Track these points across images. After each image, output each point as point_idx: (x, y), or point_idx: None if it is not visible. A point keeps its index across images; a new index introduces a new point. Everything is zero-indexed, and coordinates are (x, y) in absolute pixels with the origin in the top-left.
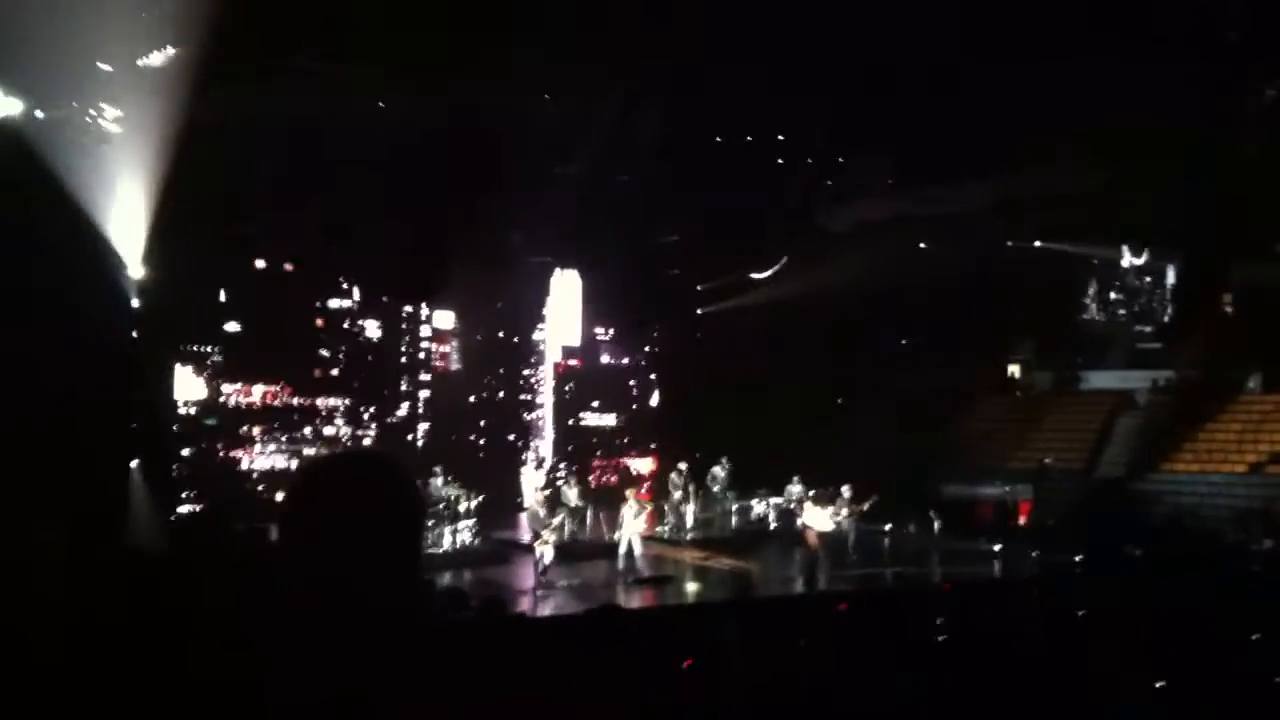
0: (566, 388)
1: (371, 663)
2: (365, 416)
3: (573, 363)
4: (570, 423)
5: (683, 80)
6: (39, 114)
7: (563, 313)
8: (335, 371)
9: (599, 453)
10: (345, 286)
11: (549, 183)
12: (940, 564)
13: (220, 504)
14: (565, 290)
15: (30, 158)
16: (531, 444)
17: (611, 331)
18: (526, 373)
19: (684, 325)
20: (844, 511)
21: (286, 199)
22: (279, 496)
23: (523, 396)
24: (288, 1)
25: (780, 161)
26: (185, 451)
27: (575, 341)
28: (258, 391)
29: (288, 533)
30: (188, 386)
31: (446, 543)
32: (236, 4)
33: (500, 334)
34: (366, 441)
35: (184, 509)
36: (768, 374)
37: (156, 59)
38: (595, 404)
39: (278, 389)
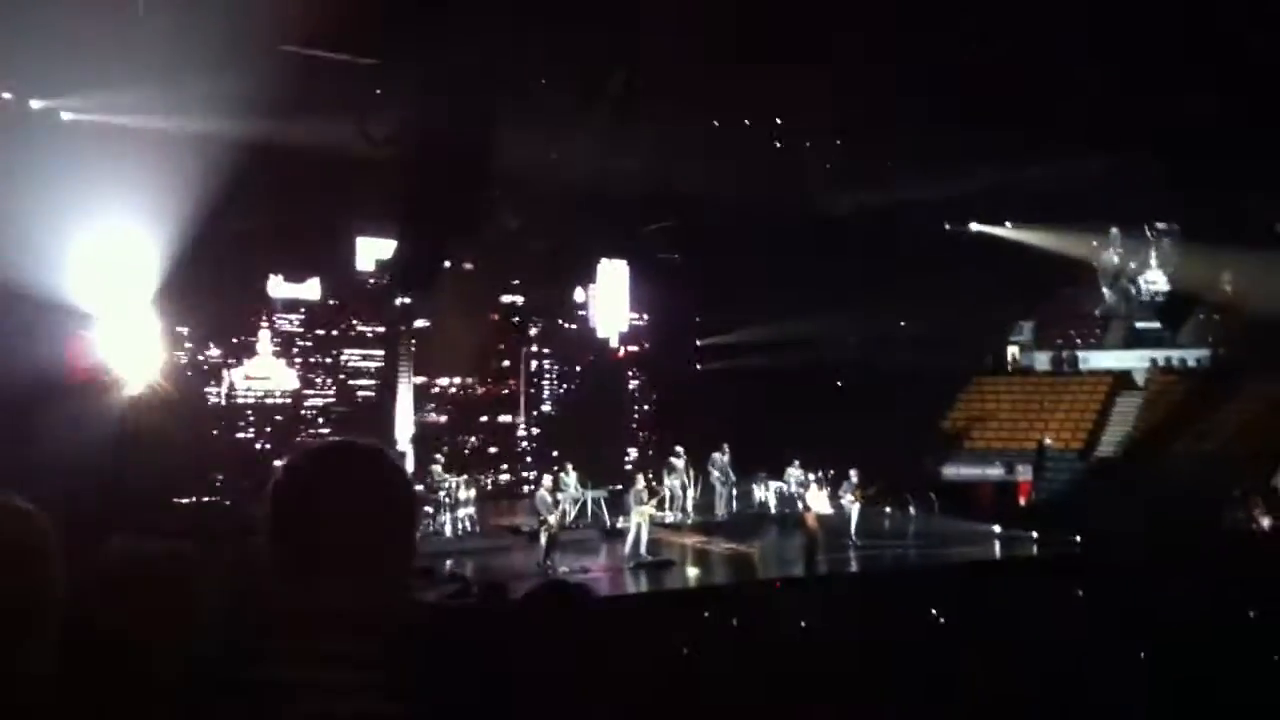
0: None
1: (364, 659)
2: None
3: (633, 348)
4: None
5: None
6: None
7: (611, 301)
8: (506, 363)
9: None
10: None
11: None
12: (939, 545)
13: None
14: (612, 279)
15: None
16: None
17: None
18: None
19: (683, 311)
20: (850, 495)
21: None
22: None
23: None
24: None
25: (779, 144)
26: None
27: (624, 328)
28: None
29: (274, 529)
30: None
31: (447, 530)
32: None
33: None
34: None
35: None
36: (765, 357)
37: None
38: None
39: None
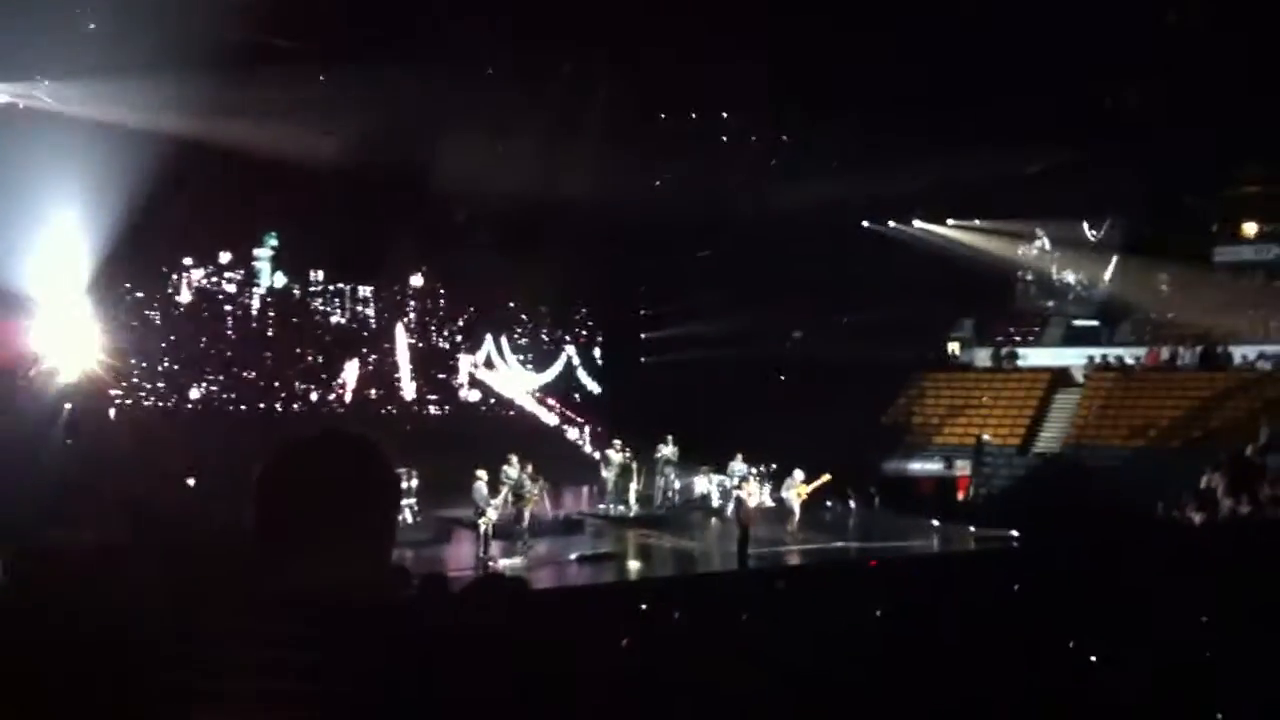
0: None
1: (348, 649)
2: None
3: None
4: None
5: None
6: None
7: None
8: None
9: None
10: None
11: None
12: (879, 539)
13: None
14: None
15: None
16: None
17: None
18: None
19: (626, 304)
20: (793, 491)
21: None
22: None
23: None
24: None
25: (726, 139)
26: None
27: None
28: None
29: (260, 517)
30: None
31: None
32: None
33: None
34: None
35: None
36: (709, 353)
37: None
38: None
39: None
